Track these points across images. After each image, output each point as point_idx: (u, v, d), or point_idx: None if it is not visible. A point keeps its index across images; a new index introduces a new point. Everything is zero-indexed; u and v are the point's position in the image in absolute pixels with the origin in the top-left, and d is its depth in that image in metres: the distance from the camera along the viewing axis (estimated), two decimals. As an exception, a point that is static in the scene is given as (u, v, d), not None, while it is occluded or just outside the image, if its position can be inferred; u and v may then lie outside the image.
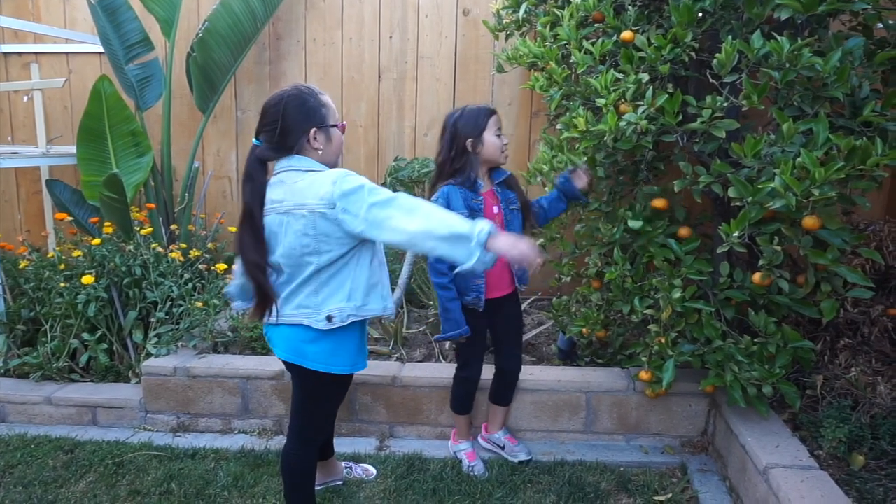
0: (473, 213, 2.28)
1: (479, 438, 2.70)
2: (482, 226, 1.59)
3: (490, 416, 2.66)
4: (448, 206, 2.27)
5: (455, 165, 2.31)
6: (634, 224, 2.49)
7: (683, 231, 2.49)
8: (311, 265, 1.78)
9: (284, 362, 1.92)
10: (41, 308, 3.15)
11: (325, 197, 1.70)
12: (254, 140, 1.85)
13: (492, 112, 2.32)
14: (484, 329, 2.45)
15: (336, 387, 1.97)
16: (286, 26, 3.89)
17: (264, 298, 1.83)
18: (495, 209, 2.34)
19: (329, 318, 1.80)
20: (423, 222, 1.62)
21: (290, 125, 1.79)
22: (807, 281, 2.22)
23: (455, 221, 1.62)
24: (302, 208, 1.73)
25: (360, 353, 1.95)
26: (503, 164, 2.38)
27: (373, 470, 2.49)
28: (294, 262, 1.79)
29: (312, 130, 1.80)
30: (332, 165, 1.87)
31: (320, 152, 1.83)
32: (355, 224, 1.69)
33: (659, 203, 2.48)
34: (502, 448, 2.61)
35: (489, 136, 2.29)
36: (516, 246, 1.59)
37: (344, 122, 1.90)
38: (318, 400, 1.95)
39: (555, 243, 3.05)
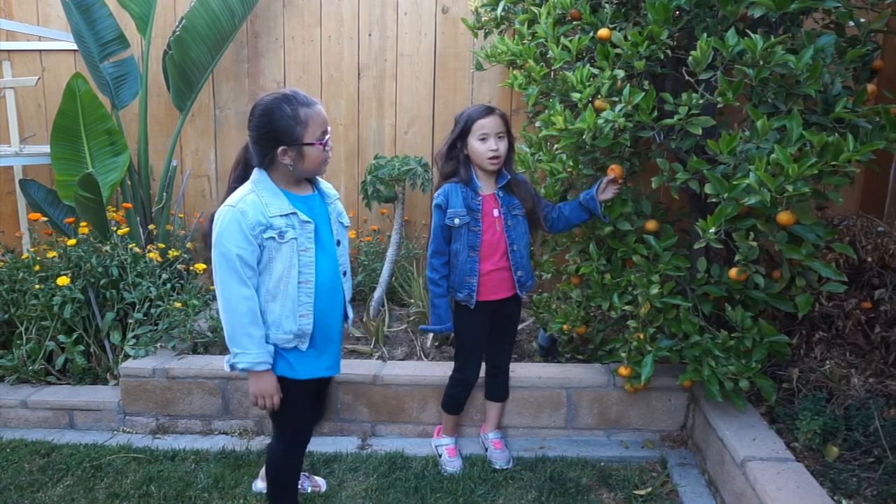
0: (472, 212, 2.25)
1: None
2: (247, 362, 1.80)
3: (485, 414, 2.67)
4: (447, 203, 2.25)
5: (447, 168, 2.29)
6: (623, 226, 2.49)
7: (650, 224, 2.49)
8: None
9: None
10: (15, 310, 3.09)
11: (215, 216, 1.80)
12: None
13: (483, 114, 2.22)
14: (482, 331, 2.43)
15: (292, 393, 1.90)
16: (264, 24, 3.86)
17: None
18: (496, 212, 2.30)
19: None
20: (224, 314, 1.81)
21: (260, 139, 1.78)
22: (782, 276, 2.25)
23: (236, 337, 1.80)
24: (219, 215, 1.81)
25: (312, 360, 1.91)
26: (490, 171, 2.28)
27: (322, 483, 2.41)
28: None
29: (280, 149, 1.76)
30: (312, 175, 1.89)
31: (291, 168, 1.80)
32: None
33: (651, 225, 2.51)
34: (487, 450, 2.62)
35: (472, 141, 2.24)
36: (262, 394, 1.84)
37: (322, 141, 1.79)
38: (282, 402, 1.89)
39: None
